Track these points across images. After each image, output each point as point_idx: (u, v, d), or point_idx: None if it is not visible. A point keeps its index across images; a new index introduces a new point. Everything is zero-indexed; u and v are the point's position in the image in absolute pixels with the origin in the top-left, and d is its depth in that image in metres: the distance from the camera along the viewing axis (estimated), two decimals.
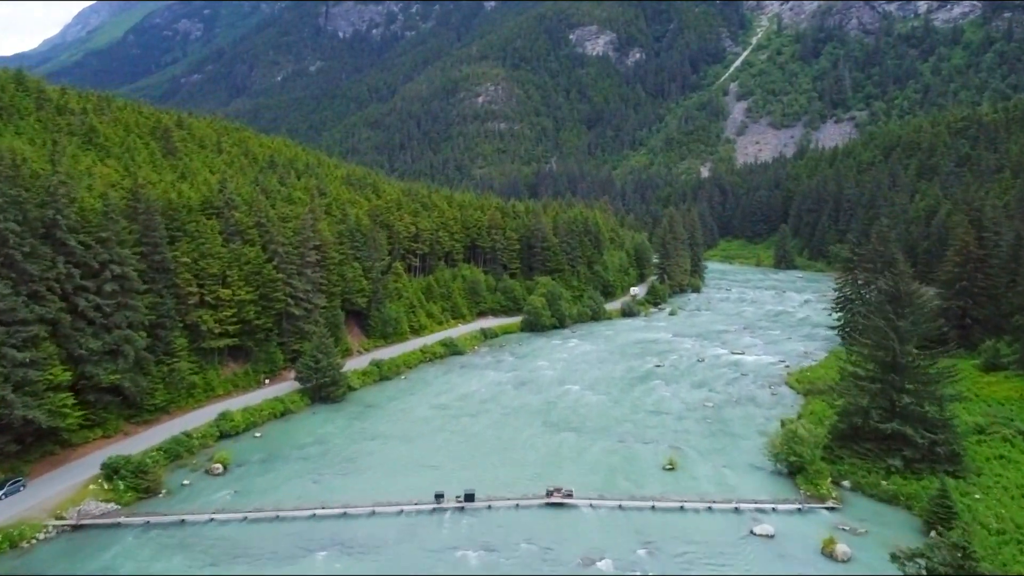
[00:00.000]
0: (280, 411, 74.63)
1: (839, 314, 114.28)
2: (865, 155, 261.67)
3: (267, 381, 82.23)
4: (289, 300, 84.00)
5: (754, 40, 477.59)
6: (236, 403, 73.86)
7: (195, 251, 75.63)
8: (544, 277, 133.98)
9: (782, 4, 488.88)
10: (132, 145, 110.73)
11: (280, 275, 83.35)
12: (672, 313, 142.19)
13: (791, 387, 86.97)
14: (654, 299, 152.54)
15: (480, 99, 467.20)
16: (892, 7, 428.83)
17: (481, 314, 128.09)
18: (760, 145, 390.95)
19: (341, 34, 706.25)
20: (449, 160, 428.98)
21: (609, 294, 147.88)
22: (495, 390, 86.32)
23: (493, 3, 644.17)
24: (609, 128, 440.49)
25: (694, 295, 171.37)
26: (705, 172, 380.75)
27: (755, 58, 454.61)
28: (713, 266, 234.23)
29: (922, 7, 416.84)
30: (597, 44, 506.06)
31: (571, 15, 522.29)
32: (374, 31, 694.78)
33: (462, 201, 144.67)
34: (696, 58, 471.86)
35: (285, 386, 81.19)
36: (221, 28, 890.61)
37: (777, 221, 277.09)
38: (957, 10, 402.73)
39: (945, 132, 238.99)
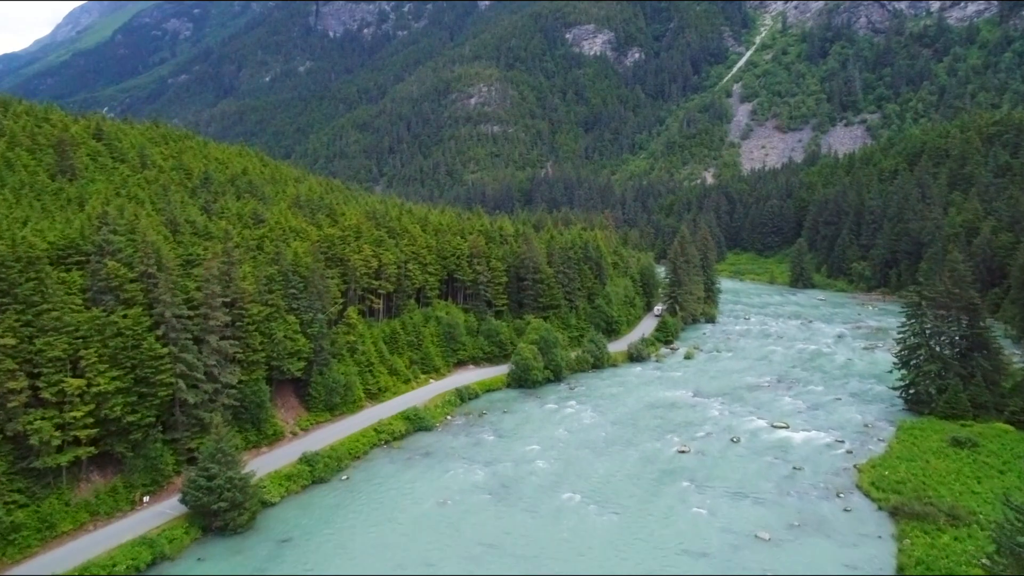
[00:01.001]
0: (146, 560, 50.58)
1: (902, 371, 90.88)
2: (886, 162, 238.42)
3: (146, 500, 58.31)
4: (180, 382, 60.18)
5: (758, 39, 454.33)
6: (86, 545, 50.30)
7: (25, 326, 51.88)
8: (536, 319, 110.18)
9: (787, 3, 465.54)
10: (14, 161, 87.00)
11: (168, 348, 59.56)
12: (688, 356, 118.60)
13: (868, 495, 63.52)
14: (665, 336, 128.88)
15: (473, 100, 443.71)
16: (903, 5, 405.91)
17: (460, 363, 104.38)
18: (766, 149, 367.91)
19: (332, 33, 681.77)
20: (440, 164, 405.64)
21: (613, 331, 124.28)
22: (465, 503, 62.70)
23: (487, 2, 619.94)
24: (607, 131, 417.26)
25: (709, 327, 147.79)
26: (709, 178, 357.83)
27: (759, 58, 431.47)
28: (723, 283, 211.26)
29: (935, 5, 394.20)
30: (594, 43, 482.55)
31: (567, 13, 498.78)
32: (365, 31, 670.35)
33: (439, 224, 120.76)
34: (697, 58, 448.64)
35: (171, 505, 57.47)
36: (211, 28, 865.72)
37: (790, 233, 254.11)
38: (971, 8, 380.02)
39: (976, 138, 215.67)
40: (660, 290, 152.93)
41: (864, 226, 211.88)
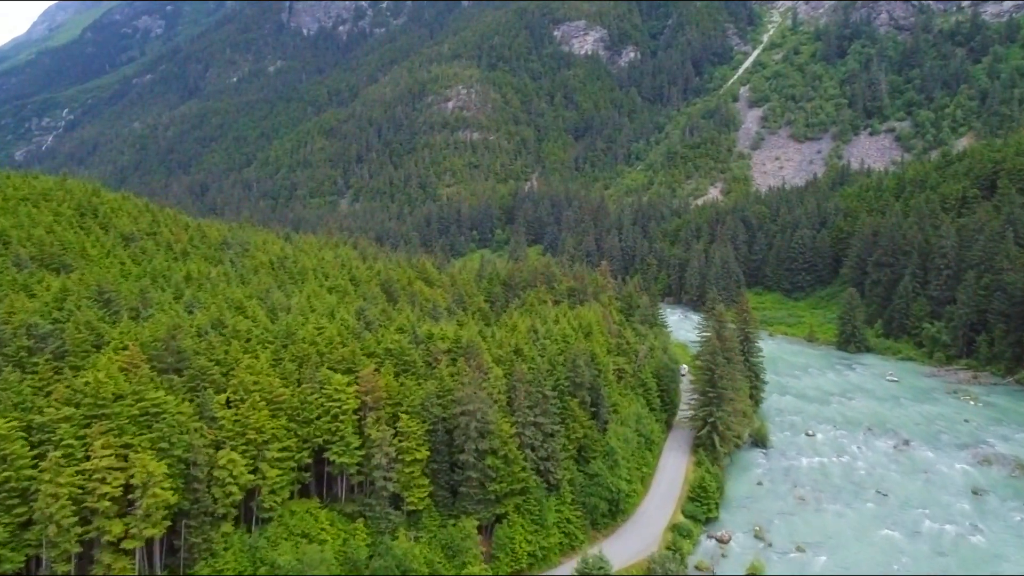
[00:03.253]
0: None
1: None
2: (949, 186, 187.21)
3: None
4: None
5: (765, 38, 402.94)
6: None
7: None
8: (472, 525, 58.07)
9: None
10: None
11: None
12: (755, 572, 66.29)
13: None
14: (704, 509, 76.86)
15: (450, 104, 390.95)
16: (929, 2, 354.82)
17: None
18: (781, 161, 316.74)
19: (305, 31, 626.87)
20: (412, 176, 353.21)
21: (618, 511, 72.04)
22: None
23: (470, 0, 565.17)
24: (600, 139, 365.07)
25: (762, 459, 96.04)
26: (716, 194, 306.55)
27: (768, 58, 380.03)
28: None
29: (965, 2, 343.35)
30: (585, 42, 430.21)
31: (555, 9, 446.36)
32: (341, 28, 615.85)
33: (306, 346, 68.21)
34: (699, 58, 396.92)
35: None
36: (183, 25, 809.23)
37: (825, 271, 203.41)
38: (1009, 2, 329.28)
39: None
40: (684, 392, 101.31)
41: (932, 272, 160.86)
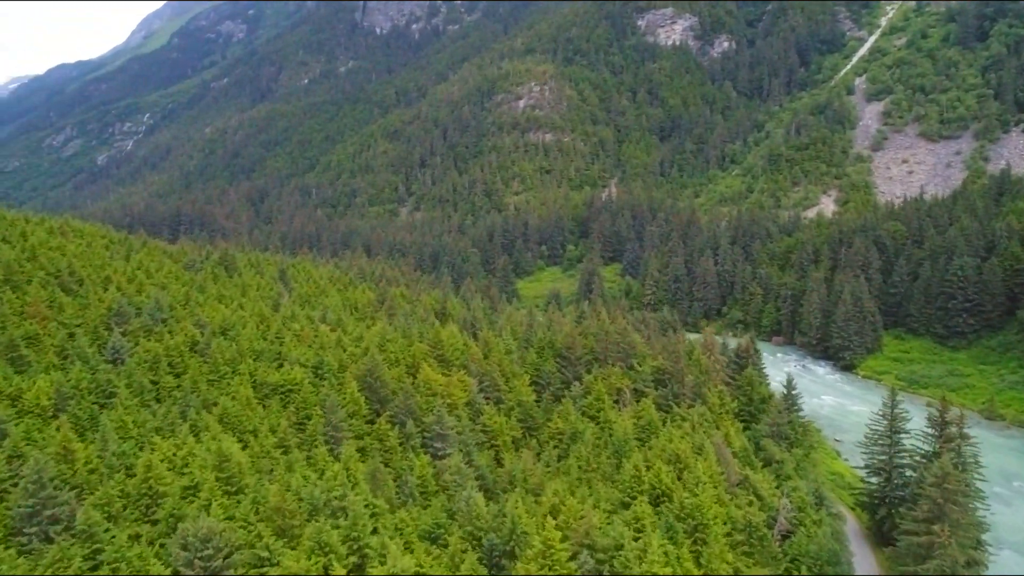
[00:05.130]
0: None
1: None
2: None
3: None
4: None
5: (884, 20, 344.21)
6: None
7: None
8: None
9: None
10: None
11: None
12: None
13: None
14: None
15: (522, 103, 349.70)
16: None
17: None
18: (909, 164, 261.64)
19: (378, 30, 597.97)
20: (477, 182, 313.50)
21: None
22: None
23: None
24: (689, 140, 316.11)
25: None
26: (829, 202, 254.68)
27: (887, 44, 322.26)
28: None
29: None
30: (673, 31, 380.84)
31: None
32: (414, 26, 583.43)
33: None
34: (805, 46, 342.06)
35: None
36: (264, 29, 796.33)
37: (996, 313, 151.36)
38: None
39: None
40: None
41: None
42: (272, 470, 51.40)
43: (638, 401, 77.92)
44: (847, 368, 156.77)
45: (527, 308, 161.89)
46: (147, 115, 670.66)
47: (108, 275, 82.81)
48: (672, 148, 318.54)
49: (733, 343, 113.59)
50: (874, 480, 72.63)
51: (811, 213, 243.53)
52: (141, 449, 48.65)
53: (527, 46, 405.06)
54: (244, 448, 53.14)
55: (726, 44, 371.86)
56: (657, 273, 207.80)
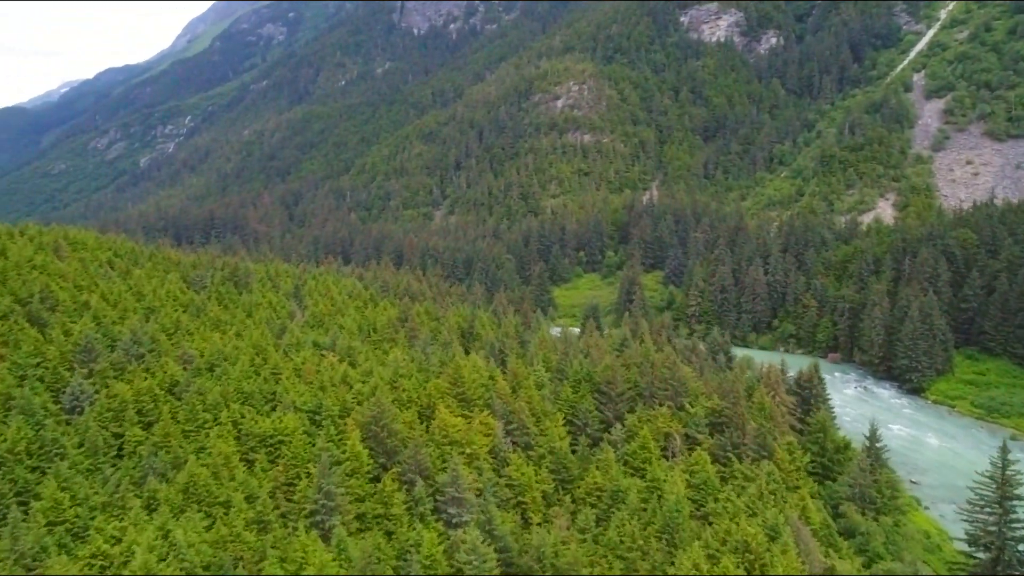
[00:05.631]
0: None
1: None
2: None
3: None
4: None
5: (943, 13, 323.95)
6: None
7: None
8: None
9: None
10: None
11: None
12: None
13: None
14: None
15: (560, 103, 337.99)
16: None
17: None
18: (975, 166, 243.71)
19: (416, 31, 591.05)
20: (513, 185, 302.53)
21: None
22: None
23: None
24: (735, 140, 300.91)
25: None
26: (887, 207, 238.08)
27: (947, 37, 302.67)
28: (973, 446, 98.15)
29: None
30: (718, 27, 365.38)
31: None
32: (451, 26, 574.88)
33: None
34: (858, 41, 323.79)
35: None
36: (303, 31, 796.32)
37: None
38: None
39: None
40: None
41: None
42: (240, 560, 41.09)
43: (691, 451, 66.12)
44: (914, 391, 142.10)
45: (562, 330, 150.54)
46: (188, 118, 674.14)
47: (87, 300, 73.40)
48: (717, 149, 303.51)
49: (793, 369, 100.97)
50: (981, 556, 59.75)
51: (867, 218, 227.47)
52: (75, 538, 38.78)
53: (566, 44, 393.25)
54: (210, 528, 43.01)
55: (774, 40, 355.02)
56: (702, 283, 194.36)
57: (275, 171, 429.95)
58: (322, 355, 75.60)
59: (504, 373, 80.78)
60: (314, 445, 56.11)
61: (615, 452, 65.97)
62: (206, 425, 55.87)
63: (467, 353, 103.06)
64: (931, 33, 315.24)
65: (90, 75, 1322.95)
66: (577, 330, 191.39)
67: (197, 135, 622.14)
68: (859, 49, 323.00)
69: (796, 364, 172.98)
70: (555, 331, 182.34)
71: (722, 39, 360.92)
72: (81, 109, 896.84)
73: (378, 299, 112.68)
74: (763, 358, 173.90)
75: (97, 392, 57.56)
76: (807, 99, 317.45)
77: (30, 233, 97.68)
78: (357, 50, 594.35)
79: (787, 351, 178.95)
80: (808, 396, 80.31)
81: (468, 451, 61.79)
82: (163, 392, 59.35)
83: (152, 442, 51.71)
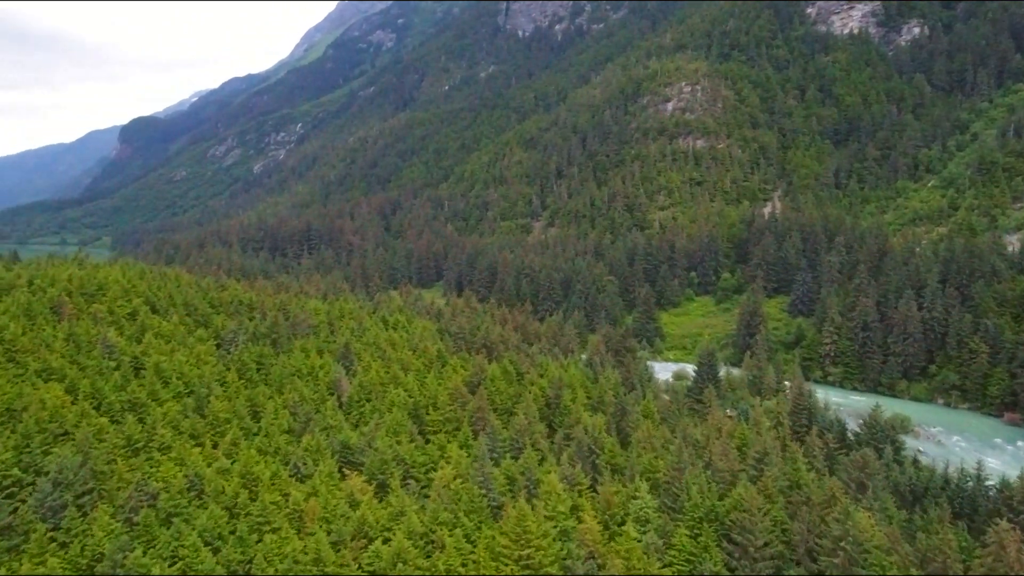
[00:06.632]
0: None
1: None
2: None
3: None
4: None
5: None
6: None
7: None
8: None
9: None
10: None
11: None
12: None
13: None
14: None
15: (670, 105, 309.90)
16: None
17: None
18: None
19: (521, 33, 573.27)
20: (618, 195, 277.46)
21: None
22: None
23: None
24: (871, 144, 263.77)
25: None
26: None
27: None
28: None
29: None
30: (850, 18, 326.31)
31: None
32: (557, 27, 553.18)
33: None
34: (1021, 27, 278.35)
35: None
36: (411, 36, 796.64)
37: None
38: None
39: None
40: None
41: None
42: None
43: None
44: None
45: (670, 382, 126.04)
46: (299, 125, 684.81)
47: (36, 400, 54.77)
48: (850, 155, 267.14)
49: (957, 429, 73.01)
50: None
51: None
52: None
53: (677, 42, 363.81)
54: None
55: (916, 30, 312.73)
56: (839, 317, 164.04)
57: (375, 179, 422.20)
58: (343, 475, 56.15)
59: (594, 490, 58.02)
60: None
61: None
62: None
63: (550, 431, 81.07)
64: None
65: (216, 84, 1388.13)
66: (689, 369, 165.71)
67: (306, 142, 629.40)
68: (1022, 37, 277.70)
69: (960, 421, 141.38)
70: (662, 374, 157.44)
71: (855, 31, 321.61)
72: (205, 118, 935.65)
73: (447, 355, 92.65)
74: (917, 412, 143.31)
75: None
76: (958, 96, 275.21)
77: (43, 275, 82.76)
78: (462, 54, 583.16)
79: (948, 404, 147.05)
80: None
81: None
82: None
83: None
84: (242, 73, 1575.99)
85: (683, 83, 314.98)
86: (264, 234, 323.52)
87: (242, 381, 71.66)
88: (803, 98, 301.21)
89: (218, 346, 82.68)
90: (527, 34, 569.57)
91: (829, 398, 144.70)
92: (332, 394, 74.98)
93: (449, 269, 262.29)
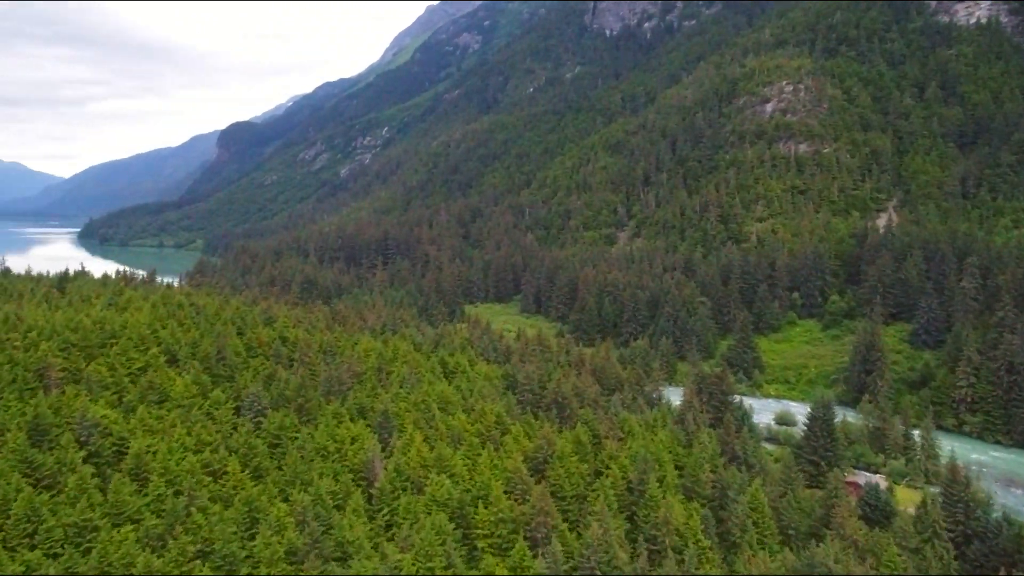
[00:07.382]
0: None
1: None
2: None
3: None
4: None
5: None
6: None
7: None
8: None
9: None
10: None
11: None
12: None
13: None
14: None
15: (769, 106, 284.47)
16: None
17: None
18: None
19: (608, 32, 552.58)
20: (710, 205, 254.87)
21: None
22: None
23: None
24: (1005, 148, 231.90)
25: None
26: None
27: None
28: None
29: None
30: (977, 7, 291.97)
31: None
32: (645, 25, 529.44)
33: None
34: None
35: None
36: (497, 38, 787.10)
37: None
38: None
39: None
40: None
41: None
42: None
43: None
44: None
45: (771, 426, 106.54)
46: (385, 129, 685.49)
47: None
48: (979, 160, 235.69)
49: None
50: None
51: None
52: None
53: (777, 38, 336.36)
54: None
55: None
56: (977, 355, 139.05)
57: (456, 185, 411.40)
58: None
59: None
60: None
61: None
62: None
63: (631, 524, 63.99)
64: None
65: (309, 89, 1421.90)
66: (793, 409, 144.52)
67: (391, 146, 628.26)
68: None
69: None
70: (762, 414, 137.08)
71: (983, 20, 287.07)
72: (297, 122, 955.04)
73: (508, 421, 76.49)
74: None
75: None
76: None
77: (50, 320, 69.76)
78: (547, 55, 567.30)
79: None
80: None
81: None
82: None
83: None
84: (335, 78, 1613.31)
85: (784, 82, 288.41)
86: (342, 242, 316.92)
87: (246, 472, 57.74)
88: (922, 97, 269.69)
89: (236, 410, 69.90)
90: (615, 33, 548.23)
91: (968, 455, 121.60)
92: (363, 481, 60.49)
93: (527, 283, 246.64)
